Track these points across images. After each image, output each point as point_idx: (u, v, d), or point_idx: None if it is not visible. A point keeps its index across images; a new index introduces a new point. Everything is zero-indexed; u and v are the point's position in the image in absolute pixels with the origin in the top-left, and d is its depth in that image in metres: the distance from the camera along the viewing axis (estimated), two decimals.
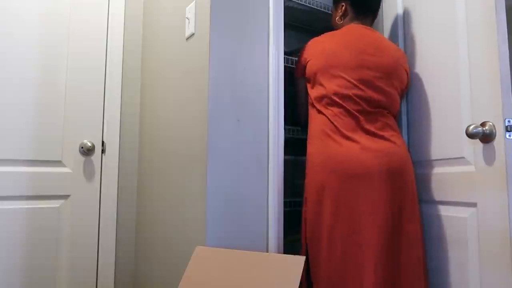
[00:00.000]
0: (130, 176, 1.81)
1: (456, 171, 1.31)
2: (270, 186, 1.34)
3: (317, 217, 1.32)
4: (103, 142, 1.76)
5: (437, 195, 1.39)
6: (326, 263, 1.27)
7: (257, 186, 1.32)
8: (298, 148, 1.97)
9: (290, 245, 1.67)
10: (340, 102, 1.36)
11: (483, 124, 1.19)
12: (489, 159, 1.19)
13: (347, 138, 1.33)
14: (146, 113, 1.78)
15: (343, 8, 1.54)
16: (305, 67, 1.47)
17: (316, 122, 1.40)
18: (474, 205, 1.24)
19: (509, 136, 1.15)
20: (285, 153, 1.42)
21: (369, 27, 1.50)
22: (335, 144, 1.33)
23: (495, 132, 1.17)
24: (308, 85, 1.47)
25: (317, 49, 1.44)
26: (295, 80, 1.55)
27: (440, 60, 1.41)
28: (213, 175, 1.24)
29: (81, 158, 1.70)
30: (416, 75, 1.52)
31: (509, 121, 1.15)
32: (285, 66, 1.54)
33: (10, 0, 1.60)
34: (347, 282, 1.24)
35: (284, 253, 1.38)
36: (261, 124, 1.35)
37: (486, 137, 1.19)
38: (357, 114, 1.35)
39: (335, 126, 1.35)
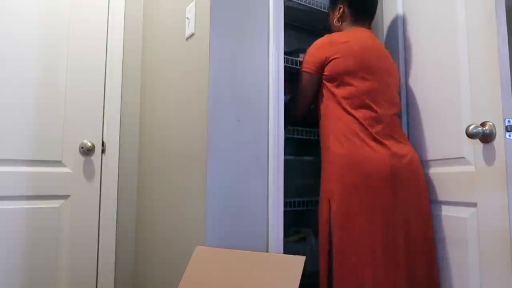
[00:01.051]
0: (130, 176, 1.81)
1: (456, 171, 1.32)
2: (270, 186, 1.34)
3: (348, 219, 1.30)
4: (103, 142, 1.76)
5: (437, 195, 1.39)
6: (356, 260, 1.26)
7: (257, 186, 1.32)
8: (298, 148, 1.97)
9: (290, 245, 1.67)
10: (371, 104, 1.37)
11: (483, 124, 1.19)
12: (489, 159, 1.19)
13: (379, 142, 1.34)
14: (146, 113, 1.78)
15: (341, 10, 1.54)
16: (324, 64, 1.43)
17: (344, 122, 1.38)
18: (474, 205, 1.24)
19: (509, 136, 1.15)
20: (285, 153, 1.41)
21: (372, 33, 1.52)
22: (368, 148, 1.33)
23: (495, 132, 1.17)
24: (330, 84, 1.43)
25: (344, 47, 1.41)
26: (300, 74, 1.49)
27: (440, 61, 1.41)
28: (213, 175, 1.24)
29: (81, 158, 1.70)
30: (416, 76, 1.52)
31: (509, 121, 1.15)
32: (285, 66, 1.54)
33: (10, 0, 1.60)
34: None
35: (284, 253, 1.38)
36: (261, 124, 1.35)
37: (486, 137, 1.19)
38: (384, 119, 1.37)
39: (366, 128, 1.35)
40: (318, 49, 1.46)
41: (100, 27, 1.78)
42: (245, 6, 1.35)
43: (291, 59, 1.63)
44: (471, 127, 1.18)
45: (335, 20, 1.57)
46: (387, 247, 1.26)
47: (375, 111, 1.37)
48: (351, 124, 1.36)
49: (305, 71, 1.47)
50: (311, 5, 1.74)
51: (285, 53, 1.55)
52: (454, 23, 1.35)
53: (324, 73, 1.44)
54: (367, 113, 1.36)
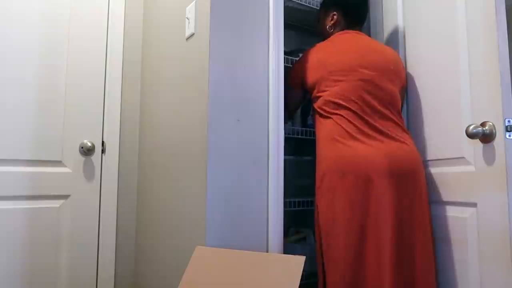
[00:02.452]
0: (130, 176, 1.81)
1: (456, 171, 1.31)
2: (270, 186, 1.34)
3: (331, 220, 1.30)
4: (103, 142, 1.76)
5: (437, 195, 1.39)
6: (342, 262, 1.26)
7: (257, 186, 1.32)
8: (298, 148, 1.97)
9: (290, 245, 1.67)
10: (345, 104, 1.36)
11: (483, 124, 1.19)
12: (489, 159, 1.19)
13: (355, 139, 1.33)
14: (146, 113, 1.78)
15: (335, 18, 1.54)
16: (300, 81, 1.50)
17: (325, 127, 1.40)
18: (474, 205, 1.24)
19: (509, 136, 1.15)
20: (285, 153, 1.41)
21: (360, 32, 1.52)
22: (343, 146, 1.33)
23: (495, 132, 1.17)
24: (311, 93, 1.48)
25: (312, 60, 1.46)
26: (289, 89, 1.54)
27: (440, 60, 1.41)
28: (213, 175, 1.24)
29: (81, 158, 1.70)
30: (417, 75, 1.52)
31: (509, 121, 1.15)
32: (285, 66, 1.54)
33: (11, 1, 1.60)
34: (365, 283, 1.25)
35: (284, 253, 1.38)
36: (261, 124, 1.35)
37: (486, 137, 1.19)
38: (362, 115, 1.35)
39: (343, 128, 1.35)
40: (295, 66, 1.53)
41: (100, 27, 1.78)
42: (245, 6, 1.35)
43: (291, 59, 1.63)
44: (471, 127, 1.18)
45: (328, 26, 1.57)
46: (374, 248, 1.25)
47: (351, 110, 1.36)
48: (330, 127, 1.38)
49: (289, 85, 1.53)
50: (311, 5, 1.74)
51: (285, 53, 1.55)
52: (454, 22, 1.35)
53: (303, 89, 1.51)
54: (344, 112, 1.36)
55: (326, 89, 1.40)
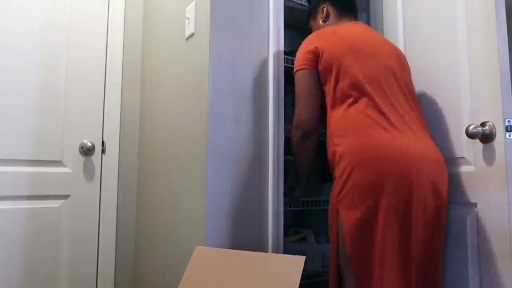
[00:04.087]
0: (130, 176, 1.81)
1: (456, 171, 1.31)
2: (270, 186, 1.34)
3: (367, 227, 1.11)
4: (103, 142, 1.76)
5: None
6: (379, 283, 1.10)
7: (257, 186, 1.32)
8: None
9: (290, 245, 1.67)
10: (378, 88, 1.22)
11: (483, 124, 1.19)
12: (489, 159, 1.19)
13: (387, 131, 1.16)
14: (146, 113, 1.78)
15: (325, 10, 1.46)
16: (317, 58, 1.29)
17: (349, 115, 1.21)
18: (474, 205, 1.24)
19: (509, 136, 1.14)
20: (285, 153, 1.41)
21: (363, 24, 1.43)
22: (387, 133, 1.15)
23: (495, 132, 1.17)
24: (327, 81, 1.28)
25: (333, 39, 1.29)
26: (295, 77, 1.34)
27: (440, 60, 1.41)
28: (213, 175, 1.24)
29: (81, 158, 1.70)
30: (416, 75, 1.52)
31: (509, 121, 1.15)
32: (285, 66, 1.54)
33: (11, 0, 1.60)
34: None
35: (284, 253, 1.38)
36: (261, 124, 1.35)
37: (486, 137, 1.19)
38: (396, 104, 1.22)
39: (382, 113, 1.18)
40: (307, 44, 1.33)
41: (100, 27, 1.78)
42: (245, 6, 1.35)
43: (291, 59, 1.63)
44: (471, 127, 1.18)
45: (321, 21, 1.48)
46: (403, 259, 1.13)
47: (387, 95, 1.21)
48: (359, 113, 1.20)
49: (299, 69, 1.32)
50: None
51: (285, 53, 1.55)
52: (454, 21, 1.35)
53: (319, 68, 1.29)
54: (378, 96, 1.21)
55: (353, 70, 1.23)
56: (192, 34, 1.37)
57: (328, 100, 1.28)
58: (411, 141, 1.17)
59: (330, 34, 1.31)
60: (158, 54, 1.68)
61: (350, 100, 1.22)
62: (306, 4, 1.73)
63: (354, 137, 1.17)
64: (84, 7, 1.75)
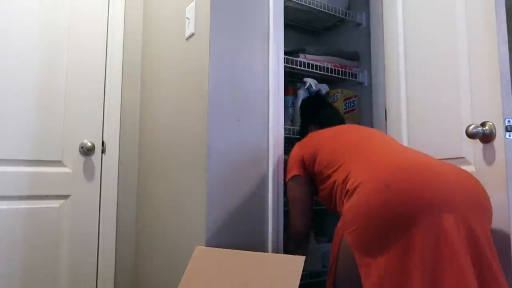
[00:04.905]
0: (130, 176, 1.81)
1: None
2: (270, 186, 1.34)
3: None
4: (103, 142, 1.76)
5: None
6: None
7: (257, 186, 1.32)
8: None
9: None
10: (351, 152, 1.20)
11: (483, 124, 1.19)
12: (489, 159, 1.19)
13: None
14: (146, 113, 1.78)
15: (313, 129, 1.46)
16: (304, 163, 1.30)
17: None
18: None
19: (509, 136, 1.15)
20: (285, 153, 1.41)
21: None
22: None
23: (495, 132, 1.17)
24: (320, 182, 1.25)
25: (312, 141, 1.32)
26: (292, 184, 1.32)
27: (440, 61, 1.41)
28: (213, 175, 1.24)
29: (81, 158, 1.70)
30: (416, 75, 1.52)
31: (509, 121, 1.15)
32: (285, 66, 1.54)
33: (11, 0, 1.60)
34: None
35: (284, 253, 1.38)
36: (261, 124, 1.35)
37: (486, 137, 1.19)
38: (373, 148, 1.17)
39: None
40: (294, 155, 1.34)
41: (100, 27, 1.78)
42: (245, 6, 1.35)
43: (291, 59, 1.63)
44: (471, 127, 1.18)
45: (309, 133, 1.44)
46: None
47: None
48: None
49: (295, 174, 1.31)
50: (311, 5, 1.74)
51: (285, 53, 1.55)
52: (454, 22, 1.35)
53: (313, 173, 1.27)
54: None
55: (325, 150, 1.23)
56: (192, 34, 1.37)
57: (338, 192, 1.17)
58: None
59: (309, 141, 1.33)
60: (158, 54, 1.68)
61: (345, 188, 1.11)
62: (306, 4, 1.73)
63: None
64: (84, 7, 1.75)
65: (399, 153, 1.09)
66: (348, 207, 1.02)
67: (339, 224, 1.10)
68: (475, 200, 0.97)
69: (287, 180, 1.35)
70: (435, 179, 0.96)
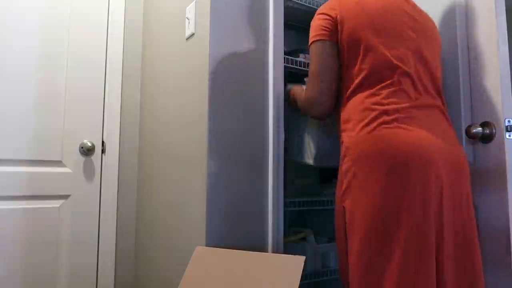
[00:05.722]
0: (130, 176, 1.81)
1: None
2: (270, 186, 1.34)
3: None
4: (103, 142, 1.76)
5: None
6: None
7: (257, 186, 1.32)
8: None
9: (290, 245, 1.67)
10: (407, 76, 1.07)
11: (483, 124, 1.19)
12: (489, 159, 1.19)
13: (419, 126, 1.04)
14: (146, 113, 1.78)
15: None
16: (336, 29, 1.11)
17: (360, 106, 1.07)
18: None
19: (509, 136, 1.15)
20: (285, 153, 1.41)
21: None
22: (404, 131, 1.01)
23: (495, 132, 1.17)
24: (347, 59, 1.11)
25: (356, 10, 1.10)
26: (310, 50, 1.17)
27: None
28: (213, 175, 1.24)
29: (81, 158, 1.70)
30: None
31: (509, 121, 1.15)
32: (285, 66, 1.54)
33: (11, 0, 1.60)
34: None
35: (284, 253, 1.38)
36: (261, 124, 1.35)
37: (486, 137, 1.19)
38: (416, 93, 1.09)
39: (402, 107, 1.04)
40: (326, 9, 1.15)
41: (100, 27, 1.78)
42: (245, 6, 1.35)
43: (291, 59, 1.63)
44: (471, 127, 1.18)
45: None
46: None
47: (413, 82, 1.08)
48: (374, 104, 1.05)
49: (315, 41, 1.14)
50: (311, 5, 1.74)
51: (285, 53, 1.55)
52: (454, 22, 1.35)
53: (340, 42, 1.11)
54: (405, 82, 1.07)
55: (378, 49, 1.06)
56: (192, 34, 1.37)
57: (347, 84, 1.10)
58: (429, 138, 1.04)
59: (353, 4, 1.12)
60: (158, 54, 1.68)
61: (368, 89, 1.06)
62: (306, 4, 1.73)
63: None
64: (84, 7, 1.75)
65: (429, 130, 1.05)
66: (364, 141, 1.03)
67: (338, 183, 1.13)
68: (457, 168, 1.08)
69: (309, 44, 1.17)
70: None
